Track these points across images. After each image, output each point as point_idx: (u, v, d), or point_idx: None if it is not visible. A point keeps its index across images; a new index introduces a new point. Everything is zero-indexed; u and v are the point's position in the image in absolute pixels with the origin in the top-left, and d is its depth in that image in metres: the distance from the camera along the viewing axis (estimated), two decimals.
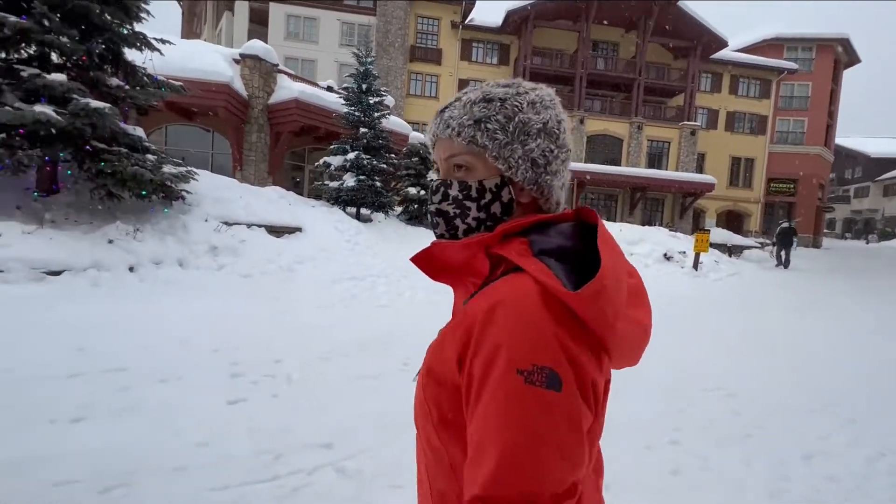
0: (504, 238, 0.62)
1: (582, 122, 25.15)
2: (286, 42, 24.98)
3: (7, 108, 5.76)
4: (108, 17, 7.01)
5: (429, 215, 0.70)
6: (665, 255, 12.12)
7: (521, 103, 0.64)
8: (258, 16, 25.58)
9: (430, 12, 26.43)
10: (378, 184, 11.70)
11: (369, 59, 12.70)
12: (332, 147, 12.35)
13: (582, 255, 0.59)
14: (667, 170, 25.72)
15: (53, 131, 6.03)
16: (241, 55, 13.81)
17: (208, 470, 2.15)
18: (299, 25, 25.60)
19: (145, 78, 7.88)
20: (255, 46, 13.95)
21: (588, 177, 22.47)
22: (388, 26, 25.61)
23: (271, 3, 24.96)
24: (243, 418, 2.71)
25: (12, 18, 6.02)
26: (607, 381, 0.63)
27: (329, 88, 15.93)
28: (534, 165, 0.64)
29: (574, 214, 0.65)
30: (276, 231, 9.11)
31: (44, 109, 5.85)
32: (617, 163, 25.68)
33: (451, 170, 0.67)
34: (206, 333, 4.23)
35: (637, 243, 12.70)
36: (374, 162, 11.75)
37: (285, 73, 14.99)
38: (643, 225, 20.68)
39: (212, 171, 10.80)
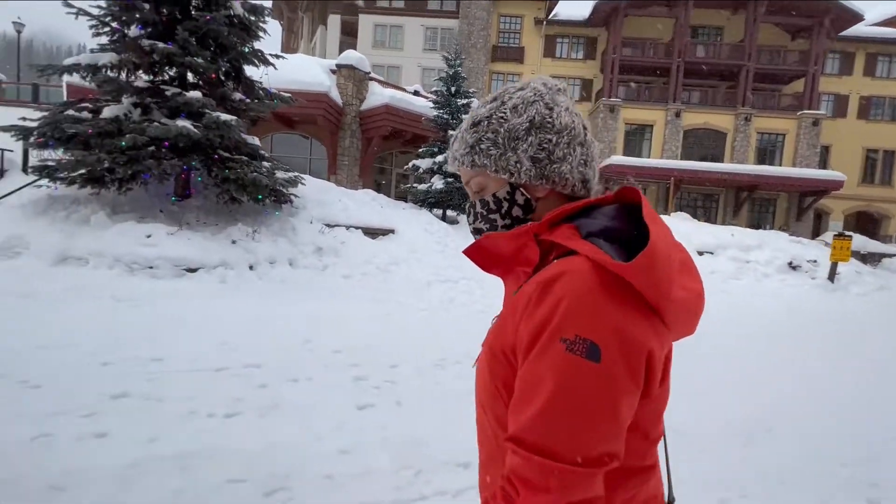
0: (551, 226, 0.65)
1: (678, 115, 23.12)
2: (373, 50, 26.09)
3: (156, 123, 6.54)
4: (234, 38, 7.70)
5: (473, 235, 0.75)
6: (790, 263, 10.61)
7: (504, 113, 0.68)
8: (348, 28, 27.06)
9: (514, 10, 26.06)
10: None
11: (458, 62, 12.72)
12: (420, 150, 12.57)
13: (628, 233, 0.61)
14: (780, 165, 22.70)
15: (190, 143, 6.74)
16: (337, 65, 14.61)
17: (356, 482, 2.13)
18: (385, 34, 26.63)
19: (261, 91, 8.57)
20: (350, 56, 14.68)
21: (679, 174, 20.55)
22: (471, 28, 25.69)
23: (361, 15, 26.25)
24: (375, 426, 2.70)
25: (161, 45, 6.84)
26: (668, 353, 0.64)
27: (415, 93, 16.31)
28: (534, 162, 0.67)
29: (614, 196, 0.67)
30: (372, 233, 9.43)
31: (185, 124, 6.56)
32: (718, 159, 23.23)
33: (473, 193, 0.73)
34: (325, 334, 4.39)
35: (752, 249, 11.29)
36: None
37: (376, 80, 15.59)
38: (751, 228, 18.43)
39: (309, 176, 11.48)
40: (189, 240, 6.36)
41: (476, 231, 0.74)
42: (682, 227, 12.28)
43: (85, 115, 6.90)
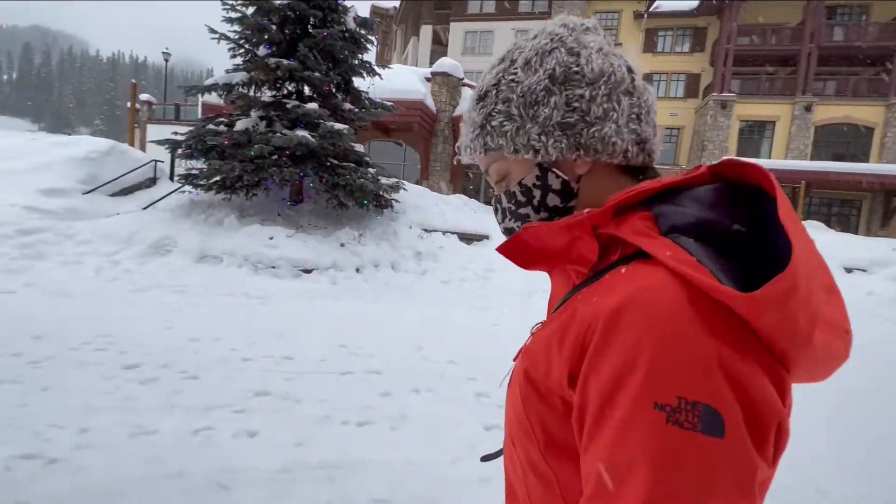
0: (617, 213, 0.47)
1: (808, 109, 20.10)
2: (463, 57, 26.41)
3: (278, 134, 7.09)
4: (346, 52, 8.12)
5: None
6: None
7: (515, 74, 0.52)
8: (438, 37, 27.74)
9: (611, 6, 24.80)
10: None
11: None
12: None
13: (734, 231, 0.42)
14: None
15: (306, 151, 7.21)
16: (431, 73, 14.95)
17: None
18: (476, 40, 26.85)
19: (367, 101, 8.95)
20: (444, 63, 14.94)
21: (810, 177, 17.73)
22: None
23: (452, 23, 26.76)
24: None
25: (285, 62, 7.42)
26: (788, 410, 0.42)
27: None
28: (565, 129, 0.50)
29: (710, 173, 0.46)
30: (467, 238, 9.36)
31: (304, 134, 7.02)
32: (861, 158, 19.74)
33: (495, 184, 0.57)
34: (435, 342, 4.32)
35: None
36: None
37: (469, 85, 15.68)
38: None
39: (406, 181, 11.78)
40: (304, 242, 6.77)
41: (507, 231, 0.58)
42: (821, 239, 10.49)
43: (222, 128, 7.71)
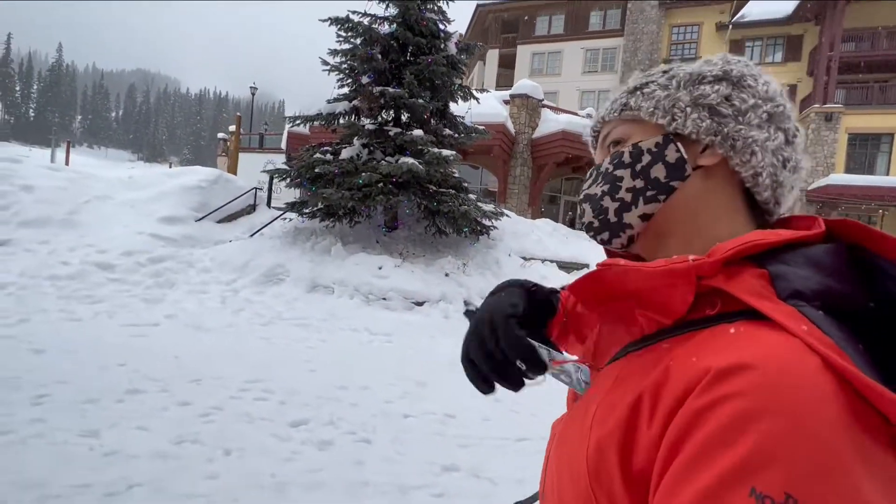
0: (727, 265, 0.39)
1: None
2: (531, 78, 26.21)
3: (384, 161, 7.00)
4: (446, 77, 8.00)
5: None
6: None
7: (692, 70, 0.48)
8: (505, 60, 27.77)
9: (689, 18, 23.60)
10: None
11: None
12: None
13: (859, 301, 0.35)
14: None
15: (410, 178, 7.05)
16: (511, 95, 14.71)
17: None
18: (543, 61, 26.58)
19: (462, 126, 8.76)
20: (524, 85, 14.66)
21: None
22: (637, 44, 24.03)
23: (519, 46, 26.74)
24: None
25: (391, 90, 7.40)
26: None
27: (588, 116, 15.64)
28: (713, 113, 0.45)
29: (825, 232, 0.41)
30: (566, 267, 8.75)
31: (412, 161, 6.87)
32: None
33: (604, 151, 0.51)
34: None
35: None
36: None
37: (549, 107, 15.27)
38: None
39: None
40: (412, 272, 6.52)
41: (585, 198, 0.50)
42: None
43: (328, 157, 7.79)
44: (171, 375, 3.20)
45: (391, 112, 8.23)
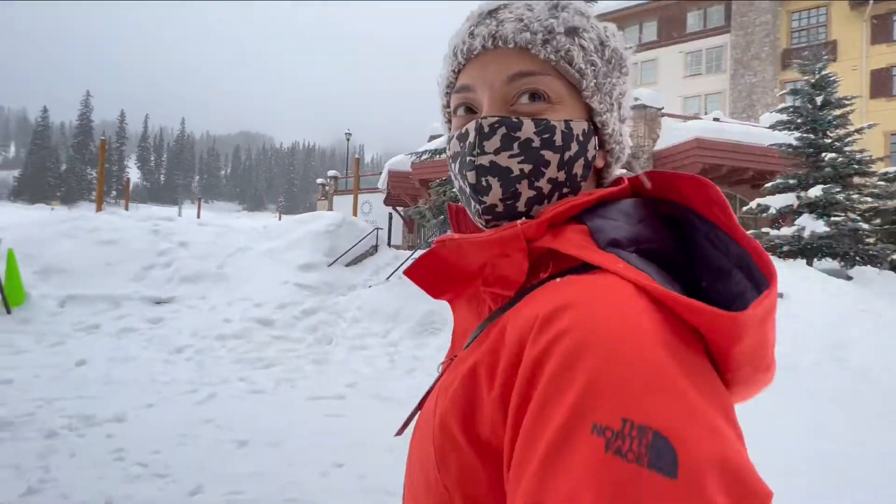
0: (551, 227, 0.42)
1: None
2: None
3: None
4: None
5: (467, 175, 0.44)
6: None
7: (598, 29, 0.47)
8: None
9: (812, 2, 20.73)
10: (864, 226, 8.26)
11: (820, 66, 9.75)
12: (768, 185, 9.79)
13: (666, 248, 0.40)
14: None
15: None
16: None
17: None
18: (636, 71, 24.98)
19: None
20: (641, 94, 13.35)
21: None
22: (749, 38, 21.59)
23: None
24: None
25: None
26: None
27: (716, 120, 13.90)
28: (620, 114, 0.48)
29: (629, 187, 0.44)
30: None
31: None
32: None
33: (512, 99, 0.44)
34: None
35: None
36: (851, 196, 8.46)
37: (673, 116, 13.78)
38: None
39: None
40: None
41: (493, 168, 0.43)
42: None
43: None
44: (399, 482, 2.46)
45: None
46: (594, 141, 0.45)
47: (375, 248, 10.01)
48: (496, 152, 0.42)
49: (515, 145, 0.42)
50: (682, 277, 0.37)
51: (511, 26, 0.43)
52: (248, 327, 5.40)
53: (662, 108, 13.55)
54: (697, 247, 0.38)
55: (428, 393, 0.46)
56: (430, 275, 0.46)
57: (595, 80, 0.43)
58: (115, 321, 5.65)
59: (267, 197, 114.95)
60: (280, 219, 17.43)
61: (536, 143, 0.42)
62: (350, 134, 26.07)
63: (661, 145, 13.11)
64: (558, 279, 0.37)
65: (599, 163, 0.46)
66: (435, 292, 0.48)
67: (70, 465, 2.44)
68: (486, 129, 0.42)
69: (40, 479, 2.27)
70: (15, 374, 3.84)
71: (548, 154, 0.42)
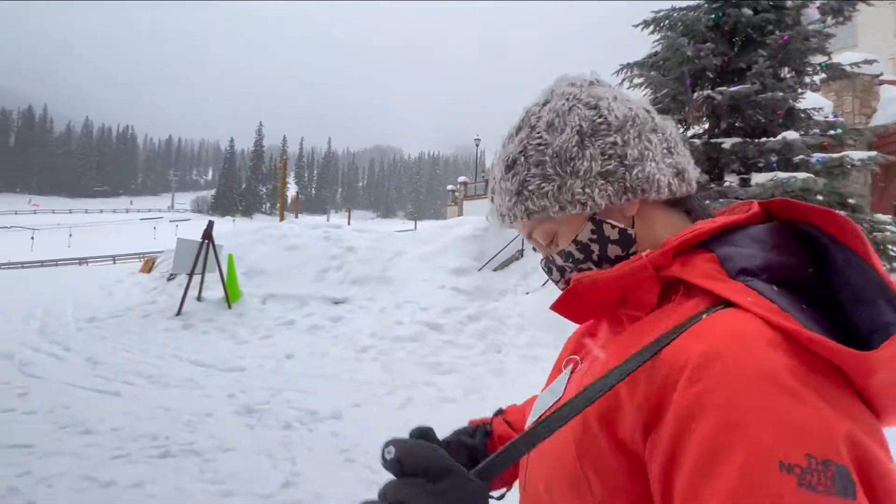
0: (676, 255, 0.46)
1: None
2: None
3: (751, 181, 5.14)
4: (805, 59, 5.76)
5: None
6: None
7: (541, 137, 0.52)
8: None
9: None
10: None
11: None
12: None
13: (801, 273, 0.41)
14: None
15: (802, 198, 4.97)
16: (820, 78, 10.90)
17: None
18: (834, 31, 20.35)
19: (819, 123, 6.23)
20: (850, 59, 10.66)
21: None
22: None
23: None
24: None
25: (727, 89, 5.60)
26: None
27: None
28: (606, 177, 0.49)
29: (762, 212, 0.47)
30: None
31: (806, 175, 4.83)
32: None
33: (543, 248, 0.56)
34: None
35: None
36: None
37: (890, 82, 10.73)
38: None
39: None
40: None
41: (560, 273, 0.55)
42: None
43: None
44: None
45: (710, 121, 6.40)
46: (606, 224, 0.50)
47: (521, 253, 9.70)
48: (558, 282, 0.55)
49: (568, 271, 0.53)
50: (819, 301, 0.39)
51: (496, 218, 0.55)
52: (420, 331, 5.52)
53: (881, 74, 10.62)
54: (836, 272, 0.39)
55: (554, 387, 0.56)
56: (573, 307, 0.51)
57: (558, 200, 0.49)
58: (305, 318, 6.32)
59: (397, 204, 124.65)
60: (416, 227, 18.37)
61: (571, 265, 0.52)
62: (479, 139, 26.42)
63: (880, 120, 10.27)
64: (704, 316, 0.39)
65: (631, 210, 0.50)
66: (579, 319, 0.54)
67: (310, 461, 2.59)
68: (546, 270, 0.56)
69: (292, 471, 2.43)
70: (245, 362, 4.46)
71: (584, 266, 0.51)
